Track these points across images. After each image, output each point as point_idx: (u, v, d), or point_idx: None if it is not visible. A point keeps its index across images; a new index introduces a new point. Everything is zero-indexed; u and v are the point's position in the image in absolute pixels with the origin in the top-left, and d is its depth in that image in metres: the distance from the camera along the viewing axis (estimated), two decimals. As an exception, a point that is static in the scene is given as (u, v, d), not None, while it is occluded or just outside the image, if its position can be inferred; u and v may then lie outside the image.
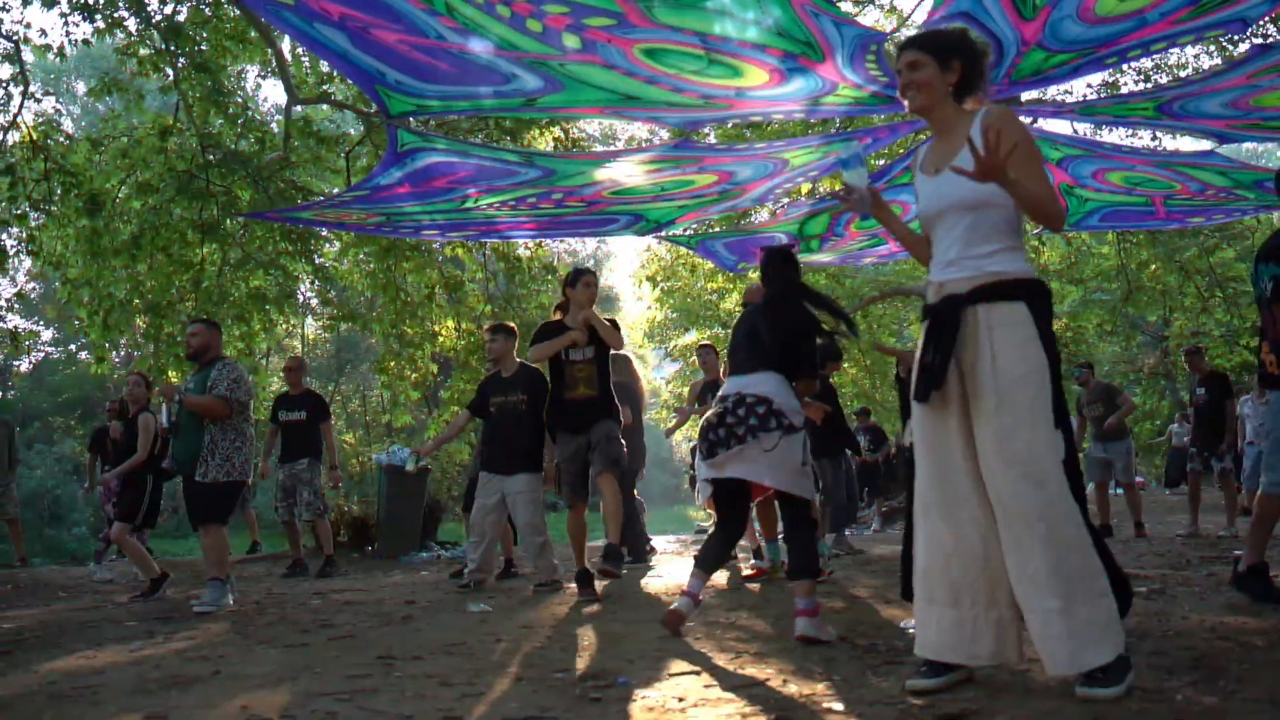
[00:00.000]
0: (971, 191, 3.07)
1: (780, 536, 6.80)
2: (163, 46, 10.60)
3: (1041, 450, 2.94)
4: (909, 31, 14.43)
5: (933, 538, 3.17)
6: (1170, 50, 10.33)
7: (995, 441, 2.96)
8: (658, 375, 28.82)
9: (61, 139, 11.42)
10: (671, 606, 4.54)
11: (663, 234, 8.11)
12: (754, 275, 10.94)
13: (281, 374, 10.98)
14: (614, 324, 6.34)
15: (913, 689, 3.09)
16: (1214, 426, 9.68)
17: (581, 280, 6.40)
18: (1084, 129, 10.74)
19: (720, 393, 4.64)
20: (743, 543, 10.11)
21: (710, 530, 4.83)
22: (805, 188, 11.34)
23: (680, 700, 3.15)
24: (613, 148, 17.76)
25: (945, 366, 3.07)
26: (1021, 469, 2.91)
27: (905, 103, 3.27)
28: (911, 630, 4.31)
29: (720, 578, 7.13)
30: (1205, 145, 6.35)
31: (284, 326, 15.95)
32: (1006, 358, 2.99)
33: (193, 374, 6.61)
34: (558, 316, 6.45)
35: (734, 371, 4.68)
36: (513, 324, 7.70)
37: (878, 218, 3.64)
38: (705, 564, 4.62)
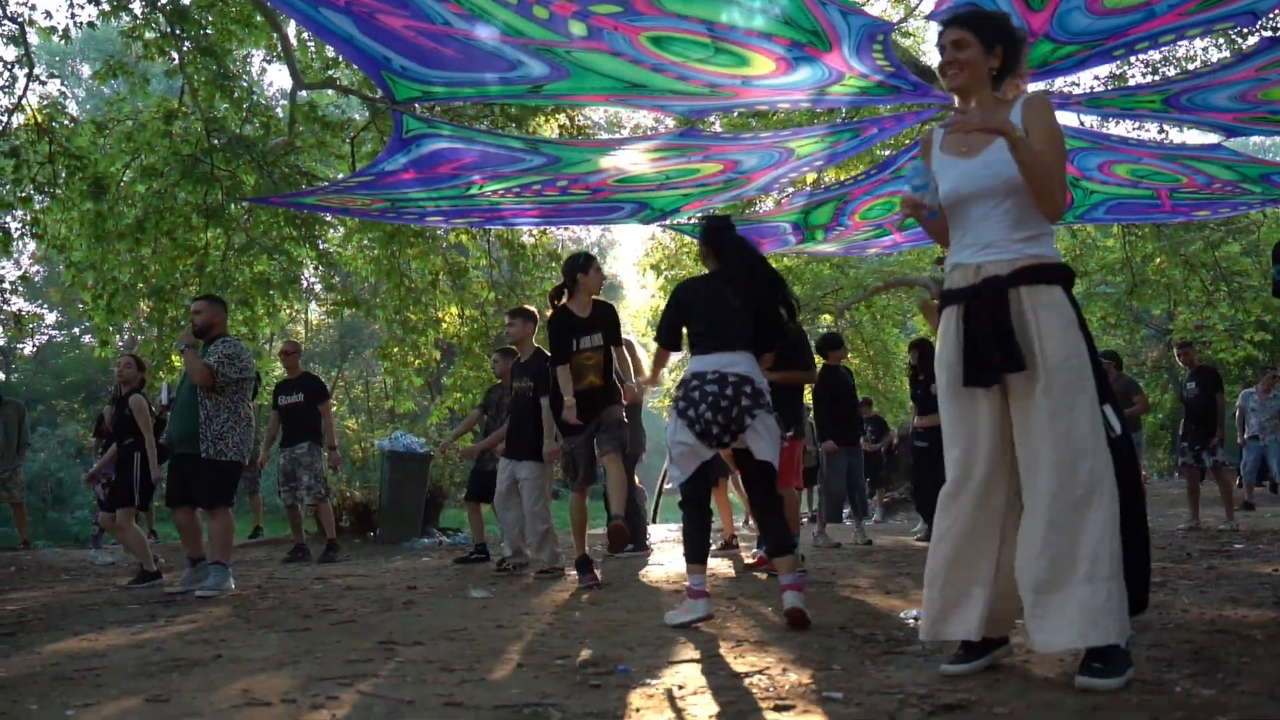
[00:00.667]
0: (1014, 175, 3.07)
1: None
2: (168, 30, 10.58)
3: (1085, 432, 2.96)
4: (915, 22, 14.40)
5: (938, 521, 3.22)
6: (1179, 43, 10.29)
7: (1045, 421, 2.97)
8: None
9: (66, 122, 11.40)
10: (694, 618, 4.39)
11: (667, 222, 8.11)
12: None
13: (279, 358, 11.02)
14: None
15: (943, 673, 3.15)
16: (1205, 420, 9.75)
17: (593, 265, 6.35)
18: (1091, 121, 10.71)
19: (695, 368, 4.53)
20: (745, 531, 10.15)
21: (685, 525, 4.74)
22: (810, 177, 11.31)
23: (680, 688, 3.16)
24: (618, 135, 17.73)
25: (1010, 342, 3.03)
26: (1063, 452, 2.94)
27: (944, 80, 3.24)
28: (911, 620, 4.34)
29: (723, 567, 7.15)
30: (1212, 138, 6.33)
31: (287, 312, 15.95)
32: (1052, 340, 3.00)
33: (199, 351, 6.58)
34: (562, 302, 6.36)
35: (708, 348, 4.56)
36: (532, 308, 7.70)
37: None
38: (699, 556, 4.56)
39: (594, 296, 6.34)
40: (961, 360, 3.14)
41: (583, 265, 6.32)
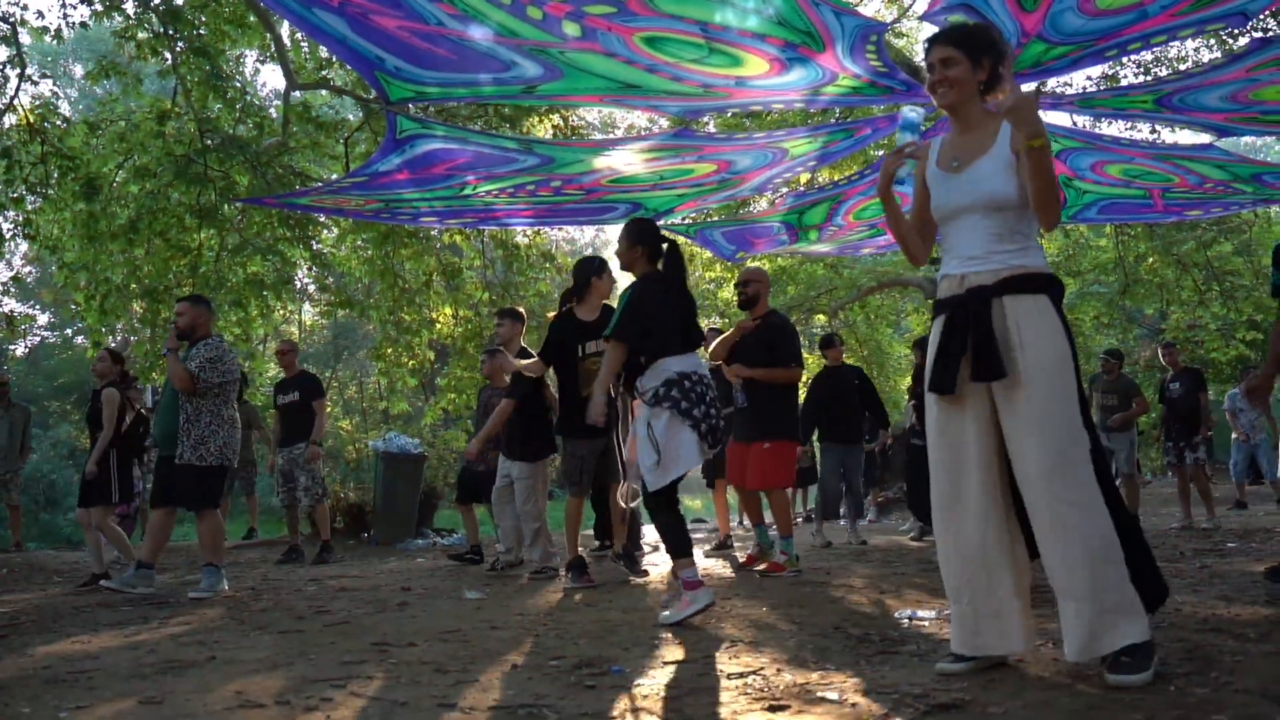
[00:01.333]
0: (998, 191, 3.12)
1: (770, 524, 6.82)
2: (161, 30, 10.55)
3: (1073, 438, 2.99)
4: (909, 22, 14.42)
5: (941, 532, 3.24)
6: (1170, 44, 10.31)
7: (1034, 428, 2.99)
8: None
9: (59, 122, 11.38)
10: (699, 608, 4.44)
11: (661, 222, 8.11)
12: (751, 263, 10.98)
13: (275, 359, 11.03)
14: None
15: (939, 671, 3.16)
16: (1189, 420, 9.94)
17: (607, 270, 6.38)
18: (1083, 121, 10.74)
19: (678, 368, 4.68)
20: (740, 531, 10.15)
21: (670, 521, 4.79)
22: (804, 177, 11.32)
23: (675, 688, 3.16)
24: (612, 136, 17.73)
25: (993, 350, 3.06)
26: (1057, 456, 2.96)
27: (934, 99, 3.28)
28: (905, 621, 4.35)
29: (718, 568, 7.14)
30: (1204, 138, 6.35)
31: (281, 313, 15.93)
32: (1036, 348, 3.03)
33: (183, 353, 6.52)
34: (570, 305, 6.33)
35: (677, 349, 4.74)
36: (520, 309, 7.71)
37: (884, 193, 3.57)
38: (687, 550, 4.66)
39: (604, 301, 6.36)
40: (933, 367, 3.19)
41: (597, 269, 6.31)
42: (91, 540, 7.41)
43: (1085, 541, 2.92)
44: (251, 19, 10.97)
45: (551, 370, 6.44)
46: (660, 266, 4.96)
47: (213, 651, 4.07)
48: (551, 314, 6.41)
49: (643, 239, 4.99)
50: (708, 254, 15.97)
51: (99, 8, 10.44)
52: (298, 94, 12.05)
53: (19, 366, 30.76)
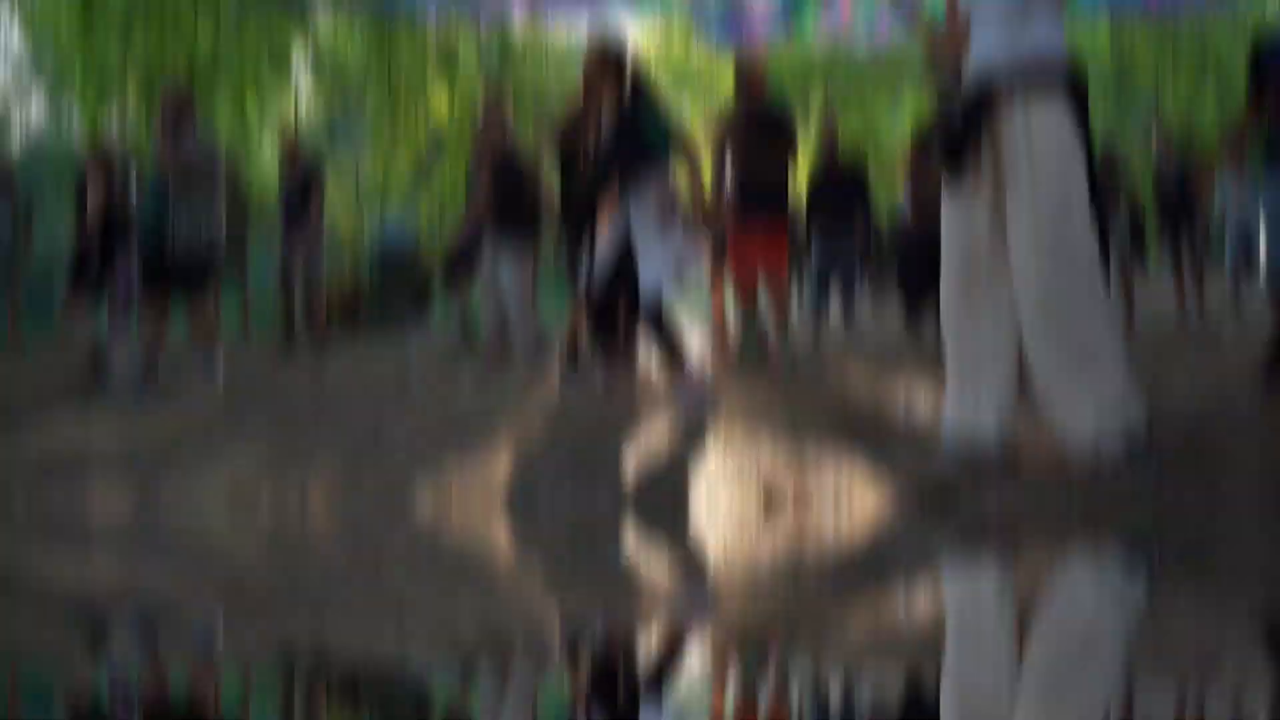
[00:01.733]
0: None
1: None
2: None
3: (1077, 240, 2.96)
4: None
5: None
6: None
7: (1030, 232, 2.95)
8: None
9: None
10: None
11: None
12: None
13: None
14: None
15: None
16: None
17: None
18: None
19: None
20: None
21: None
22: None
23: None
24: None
25: (968, 138, 3.03)
26: (1058, 257, 2.93)
27: None
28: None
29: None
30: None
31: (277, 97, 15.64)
32: (1043, 152, 2.95)
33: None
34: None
35: None
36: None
37: None
38: None
39: None
40: None
41: None
42: None
43: (1073, 334, 2.98)
44: None
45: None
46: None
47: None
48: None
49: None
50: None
51: None
52: None
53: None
